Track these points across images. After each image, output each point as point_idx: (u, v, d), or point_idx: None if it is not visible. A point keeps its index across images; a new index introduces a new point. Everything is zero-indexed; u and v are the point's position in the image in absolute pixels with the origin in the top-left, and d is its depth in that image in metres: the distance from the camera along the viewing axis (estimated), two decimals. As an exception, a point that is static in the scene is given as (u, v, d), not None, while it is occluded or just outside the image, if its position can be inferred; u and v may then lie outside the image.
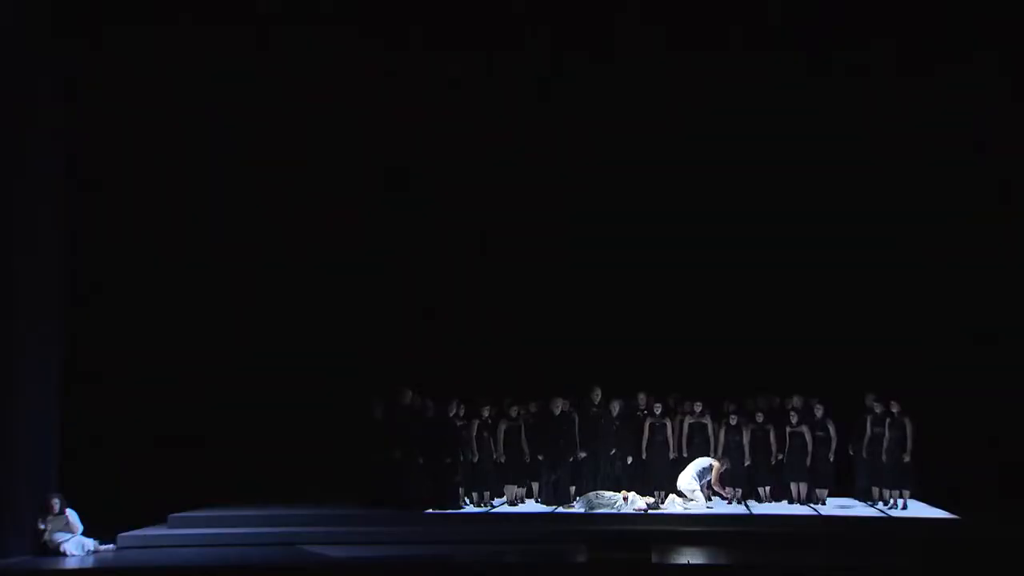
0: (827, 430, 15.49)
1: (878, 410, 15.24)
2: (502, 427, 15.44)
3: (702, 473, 15.34)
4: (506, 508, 15.38)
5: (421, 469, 15.10)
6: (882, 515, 14.86)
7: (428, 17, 16.84)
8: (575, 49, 16.97)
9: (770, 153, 16.93)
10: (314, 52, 16.80)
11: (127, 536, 14.06)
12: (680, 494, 15.30)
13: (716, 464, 15.38)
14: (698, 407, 15.73)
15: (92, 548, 13.63)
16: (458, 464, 15.11)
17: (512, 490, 15.60)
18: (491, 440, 15.38)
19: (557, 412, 15.42)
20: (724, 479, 15.53)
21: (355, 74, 16.97)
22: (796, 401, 15.71)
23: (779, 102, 16.72)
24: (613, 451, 15.49)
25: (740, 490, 15.72)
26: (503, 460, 15.41)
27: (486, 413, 15.42)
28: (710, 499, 15.44)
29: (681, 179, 17.05)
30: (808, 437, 15.47)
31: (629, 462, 15.52)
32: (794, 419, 15.56)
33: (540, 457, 15.44)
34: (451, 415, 15.21)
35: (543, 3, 16.73)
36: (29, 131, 13.92)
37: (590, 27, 16.86)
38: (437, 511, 14.96)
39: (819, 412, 15.53)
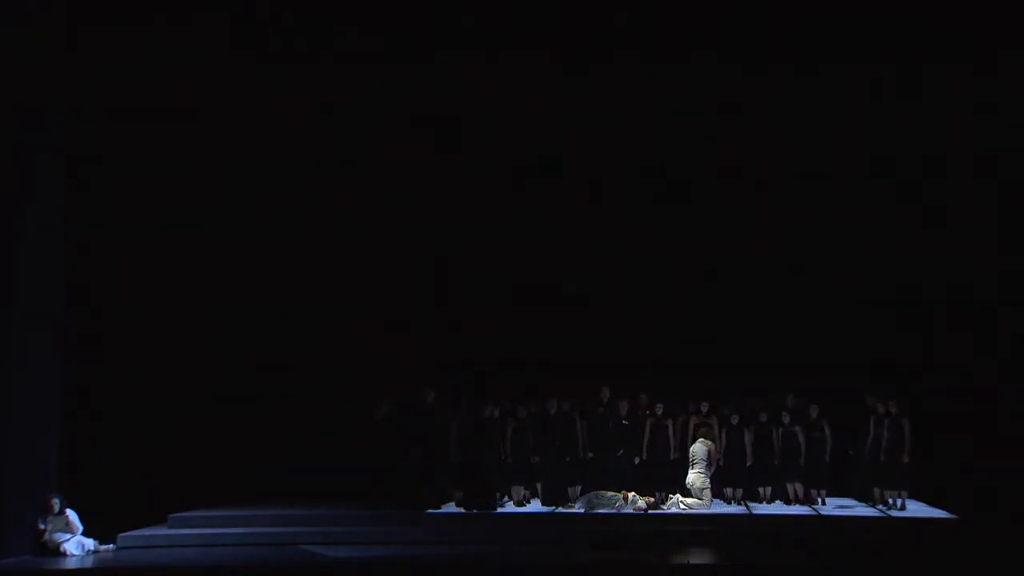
0: (823, 431, 15.45)
1: (881, 410, 15.20)
2: (510, 428, 15.45)
3: (707, 466, 15.30)
4: (508, 508, 15.35)
5: (453, 469, 15.12)
6: (882, 515, 14.86)
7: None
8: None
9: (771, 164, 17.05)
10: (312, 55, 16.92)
11: (127, 536, 14.07)
12: (688, 492, 15.27)
13: (712, 446, 15.35)
14: (704, 408, 15.70)
15: (92, 548, 13.65)
16: (494, 464, 15.16)
17: (519, 491, 15.57)
18: (501, 440, 15.39)
19: (552, 412, 15.43)
20: (717, 467, 15.51)
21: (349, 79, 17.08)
22: (790, 401, 15.68)
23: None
24: (621, 451, 15.49)
25: (741, 490, 15.73)
26: (511, 460, 15.42)
27: (497, 413, 15.42)
28: (711, 499, 15.46)
29: (681, 186, 17.13)
30: (801, 437, 15.42)
31: (636, 462, 15.53)
32: (786, 419, 15.51)
33: (535, 459, 15.43)
34: (485, 416, 15.22)
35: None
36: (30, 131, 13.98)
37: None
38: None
39: (815, 412, 15.48)
